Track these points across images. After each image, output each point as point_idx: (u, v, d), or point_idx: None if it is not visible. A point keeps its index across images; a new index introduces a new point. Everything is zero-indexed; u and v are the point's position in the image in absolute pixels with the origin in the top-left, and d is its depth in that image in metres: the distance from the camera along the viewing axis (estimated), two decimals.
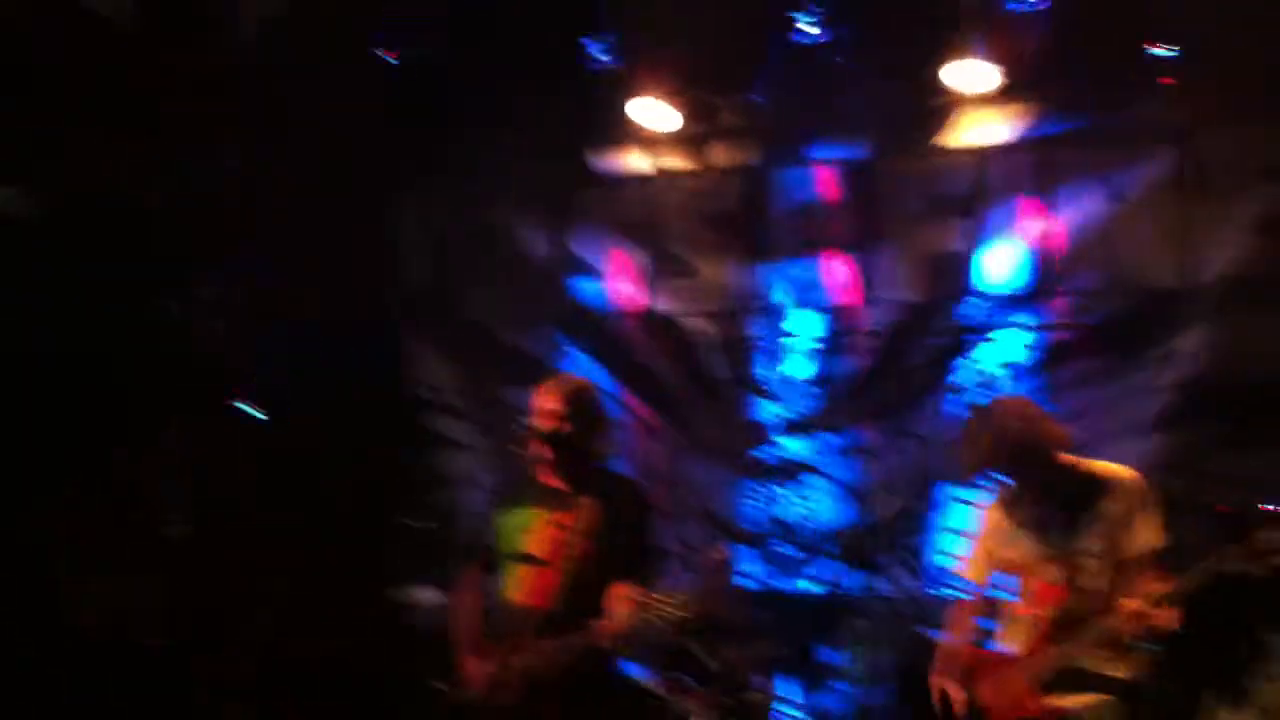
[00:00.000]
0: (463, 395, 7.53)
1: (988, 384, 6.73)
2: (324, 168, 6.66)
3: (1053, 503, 3.76)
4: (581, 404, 4.02)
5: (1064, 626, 3.67)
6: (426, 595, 6.27)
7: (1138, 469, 6.29)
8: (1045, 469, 3.71)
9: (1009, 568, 3.88)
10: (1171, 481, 6.27)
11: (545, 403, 3.98)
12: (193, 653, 5.55)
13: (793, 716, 6.14)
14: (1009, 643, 3.86)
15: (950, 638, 4.00)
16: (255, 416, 6.94)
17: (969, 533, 4.08)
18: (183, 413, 6.13)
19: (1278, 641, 4.80)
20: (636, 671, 6.13)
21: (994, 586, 3.97)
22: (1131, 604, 3.52)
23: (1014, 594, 3.87)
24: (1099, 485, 3.74)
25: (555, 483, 4.00)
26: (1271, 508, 5.20)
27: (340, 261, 7.11)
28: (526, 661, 3.80)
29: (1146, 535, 3.69)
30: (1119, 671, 3.65)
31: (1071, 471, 3.74)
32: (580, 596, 3.83)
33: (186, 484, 5.92)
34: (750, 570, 7.06)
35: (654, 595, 3.75)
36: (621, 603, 3.80)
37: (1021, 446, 3.69)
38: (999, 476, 3.89)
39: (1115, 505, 3.70)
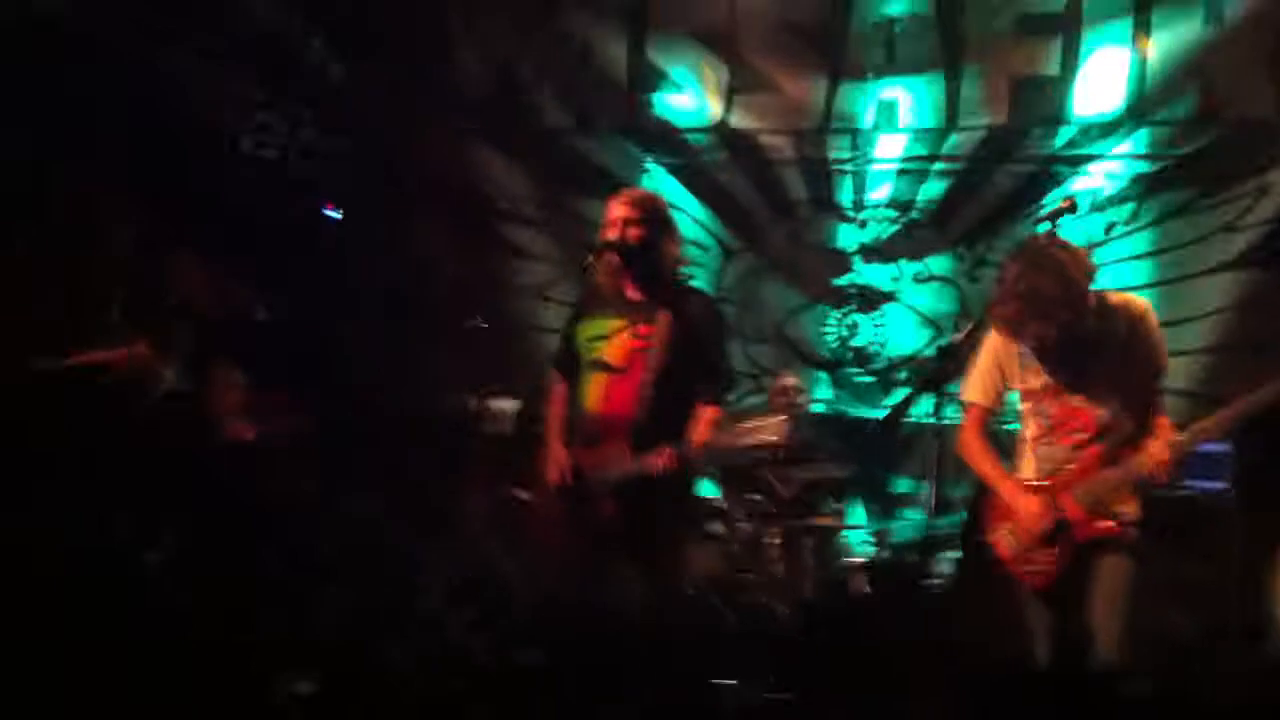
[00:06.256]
0: (536, 205, 7.51)
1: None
2: None
3: (1075, 339, 3.58)
4: (651, 213, 4.04)
5: (1099, 449, 3.59)
6: (503, 403, 6.37)
7: (1216, 306, 6.35)
8: (1075, 317, 3.52)
9: (1027, 393, 3.71)
10: (1248, 320, 6.32)
11: (616, 212, 4.02)
12: None
13: (862, 542, 6.31)
14: (1027, 470, 3.73)
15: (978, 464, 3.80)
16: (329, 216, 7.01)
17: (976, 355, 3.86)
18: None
19: None
20: (708, 491, 6.32)
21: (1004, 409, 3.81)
22: (1158, 447, 3.48)
23: (1035, 420, 3.72)
24: (1113, 313, 3.62)
25: (631, 293, 4.05)
26: None
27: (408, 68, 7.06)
28: (607, 467, 3.90)
29: (1157, 359, 3.63)
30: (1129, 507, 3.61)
31: (1093, 310, 3.57)
32: (659, 408, 3.90)
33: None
34: (824, 396, 7.16)
35: (746, 423, 3.85)
36: (705, 423, 3.89)
37: (1054, 300, 3.45)
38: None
39: (1127, 331, 3.61)
